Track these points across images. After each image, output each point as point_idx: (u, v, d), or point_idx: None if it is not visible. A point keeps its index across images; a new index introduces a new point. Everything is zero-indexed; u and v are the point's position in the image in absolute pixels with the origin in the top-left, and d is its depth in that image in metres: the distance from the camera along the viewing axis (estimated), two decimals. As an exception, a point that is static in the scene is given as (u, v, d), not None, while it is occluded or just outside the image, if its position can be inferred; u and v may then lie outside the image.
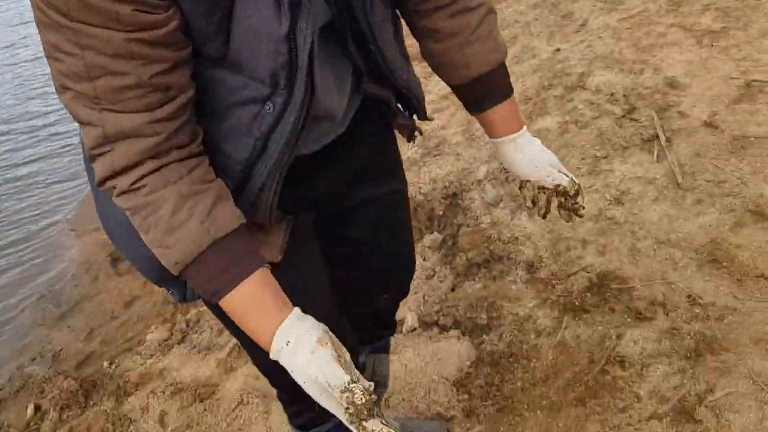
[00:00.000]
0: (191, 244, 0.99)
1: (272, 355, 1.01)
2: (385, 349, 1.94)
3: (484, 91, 1.30)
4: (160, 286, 1.33)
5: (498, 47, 1.28)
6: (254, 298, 1.02)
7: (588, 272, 2.42)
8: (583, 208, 1.36)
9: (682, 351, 2.10)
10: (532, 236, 2.67)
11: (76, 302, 3.16)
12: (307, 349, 0.98)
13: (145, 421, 2.42)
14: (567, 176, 1.33)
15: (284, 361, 1.00)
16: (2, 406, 2.69)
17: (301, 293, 1.11)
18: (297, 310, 1.04)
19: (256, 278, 1.02)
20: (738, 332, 2.10)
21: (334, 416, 0.98)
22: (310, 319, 1.03)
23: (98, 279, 3.29)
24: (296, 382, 1.00)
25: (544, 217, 1.37)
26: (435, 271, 2.72)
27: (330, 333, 1.03)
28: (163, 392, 2.49)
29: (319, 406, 1.00)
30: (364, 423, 0.95)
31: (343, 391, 0.96)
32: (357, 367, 1.03)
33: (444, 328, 2.48)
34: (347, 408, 0.95)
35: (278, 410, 2.36)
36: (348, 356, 1.01)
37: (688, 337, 2.13)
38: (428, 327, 2.51)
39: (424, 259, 2.78)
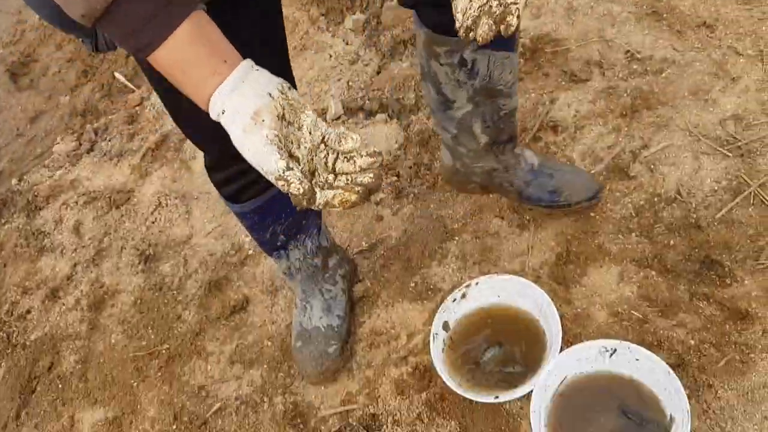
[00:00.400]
0: None
1: (211, 116, 0.91)
2: (509, 46, 1.45)
3: None
4: (67, 34, 1.15)
5: None
6: (186, 53, 0.88)
7: (521, 38, 2.21)
8: (519, 16, 0.99)
9: (618, 109, 1.96)
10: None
11: (-22, 124, 2.89)
12: (239, 127, 0.87)
13: (60, 233, 2.27)
14: None
15: (224, 125, 0.90)
16: None
17: (246, 39, 0.96)
18: (237, 70, 0.89)
19: (187, 28, 0.87)
20: (676, 84, 1.96)
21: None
22: (251, 80, 0.90)
23: (-1, 97, 3.00)
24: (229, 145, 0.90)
25: (464, 37, 1.02)
26: (359, 55, 2.48)
27: (280, 94, 0.89)
28: (76, 203, 2.33)
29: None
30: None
31: (277, 179, 0.87)
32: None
33: (370, 113, 2.30)
34: (283, 190, 0.88)
35: (199, 209, 2.23)
36: (304, 120, 0.90)
37: (625, 95, 1.98)
38: (354, 113, 2.32)
39: (347, 44, 2.53)
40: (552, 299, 1.60)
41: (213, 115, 0.90)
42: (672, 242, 1.68)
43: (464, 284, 1.69)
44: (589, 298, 1.65)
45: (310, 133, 0.90)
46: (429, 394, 1.63)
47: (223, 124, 0.89)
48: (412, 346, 1.73)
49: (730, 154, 1.77)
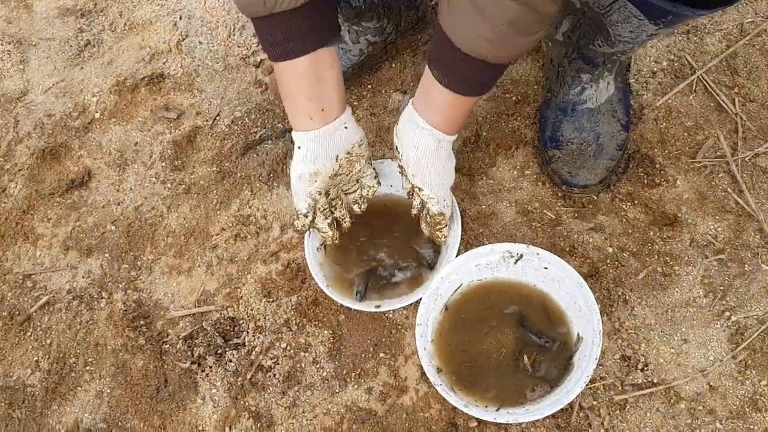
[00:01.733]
0: (250, 6, 0.97)
1: (296, 136, 1.12)
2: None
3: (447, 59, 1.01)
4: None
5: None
6: (297, 82, 1.05)
7: None
8: (444, 238, 1.25)
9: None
10: None
11: None
12: (298, 171, 1.13)
13: None
14: (448, 213, 1.21)
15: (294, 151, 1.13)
16: None
17: None
18: (328, 127, 1.10)
19: (305, 62, 1.02)
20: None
21: None
22: (334, 138, 1.11)
23: None
24: None
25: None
26: None
27: (346, 156, 1.16)
28: None
29: None
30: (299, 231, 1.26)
31: (295, 212, 1.18)
32: None
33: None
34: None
35: (38, 59, 1.77)
36: (354, 169, 1.20)
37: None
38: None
39: None
40: (453, 192, 1.31)
41: (296, 137, 1.11)
42: (598, 131, 1.40)
43: (351, 168, 1.37)
44: (497, 193, 1.37)
45: (351, 178, 1.22)
46: (300, 297, 1.34)
47: (294, 148, 1.12)
48: (285, 240, 1.42)
49: (675, 30, 1.48)
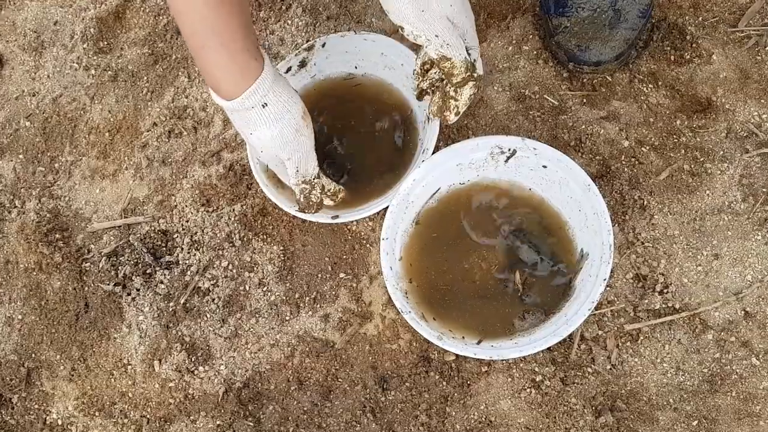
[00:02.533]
0: None
1: (230, 106, 0.81)
2: None
3: None
4: None
5: None
6: (221, 16, 0.75)
7: None
8: (458, 113, 0.88)
9: None
10: None
11: None
12: (290, 126, 0.84)
13: None
14: (463, 53, 0.81)
15: (245, 120, 0.83)
16: None
17: None
18: (269, 61, 0.82)
19: None
20: None
21: None
22: (283, 78, 0.85)
23: None
24: None
25: (418, 97, 0.91)
26: None
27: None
28: None
29: None
30: (308, 212, 0.94)
31: (305, 182, 0.90)
32: None
33: None
34: (299, 196, 0.92)
35: None
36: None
37: None
38: None
39: None
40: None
41: (242, 105, 0.80)
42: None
43: (304, 45, 1.09)
44: (487, 75, 1.09)
45: None
46: (245, 206, 1.09)
47: (252, 114, 0.81)
48: (228, 137, 1.15)
49: None
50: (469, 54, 0.82)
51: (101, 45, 1.27)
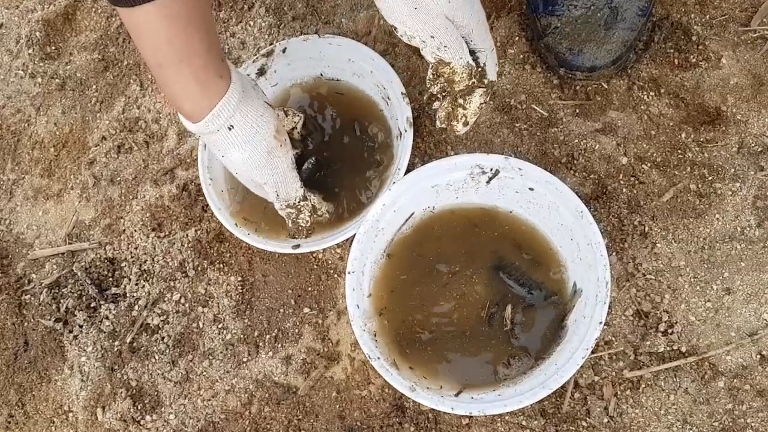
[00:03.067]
0: None
1: (195, 129, 0.72)
2: None
3: None
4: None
5: None
6: (184, 29, 0.65)
7: None
8: (466, 123, 0.72)
9: None
10: None
11: None
12: (261, 148, 0.74)
13: None
14: (464, 56, 0.67)
15: (213, 143, 0.74)
16: None
17: None
18: (235, 73, 0.72)
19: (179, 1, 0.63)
20: None
21: None
22: (248, 86, 0.75)
23: None
24: None
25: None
26: None
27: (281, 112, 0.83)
28: None
29: None
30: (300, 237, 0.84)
31: (290, 206, 0.81)
32: None
33: None
34: (287, 221, 0.83)
35: None
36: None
37: None
38: None
39: None
40: (409, 80, 0.91)
41: (206, 129, 0.71)
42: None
43: (265, 50, 0.96)
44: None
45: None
46: (201, 231, 0.97)
47: (218, 137, 0.72)
48: (183, 152, 1.02)
49: None
50: (476, 57, 0.69)
51: (48, 50, 1.14)
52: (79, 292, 0.97)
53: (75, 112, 1.09)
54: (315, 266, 0.93)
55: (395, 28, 0.67)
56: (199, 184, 0.97)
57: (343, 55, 0.93)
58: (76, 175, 1.05)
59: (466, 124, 0.73)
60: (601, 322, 0.74)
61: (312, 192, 0.84)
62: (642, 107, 0.91)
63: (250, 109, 0.73)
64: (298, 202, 0.81)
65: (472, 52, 0.68)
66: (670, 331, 0.80)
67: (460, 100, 0.71)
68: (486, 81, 0.70)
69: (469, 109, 0.72)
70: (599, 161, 0.89)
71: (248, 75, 0.94)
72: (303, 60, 0.95)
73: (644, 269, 0.84)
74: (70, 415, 0.92)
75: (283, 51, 0.94)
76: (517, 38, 0.96)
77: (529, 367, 0.78)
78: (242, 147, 0.73)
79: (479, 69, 0.69)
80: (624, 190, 0.87)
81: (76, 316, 0.95)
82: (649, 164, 0.88)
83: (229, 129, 0.72)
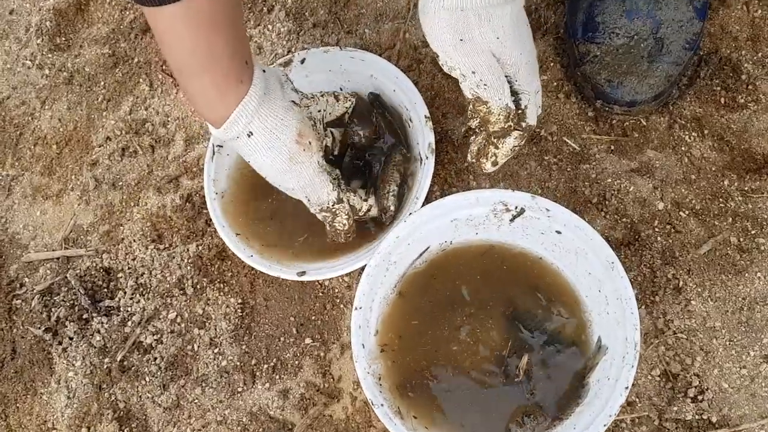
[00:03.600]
0: None
1: (217, 135, 0.68)
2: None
3: None
4: None
5: None
6: (209, 33, 0.61)
7: None
8: (495, 163, 0.67)
9: None
10: None
11: None
12: (283, 155, 0.68)
13: None
14: (503, 98, 0.61)
15: (238, 148, 0.70)
16: None
17: None
18: (257, 76, 0.67)
19: (206, 1, 0.59)
20: None
21: None
22: (272, 88, 0.68)
23: None
24: None
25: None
26: None
27: (295, 94, 0.72)
28: None
29: None
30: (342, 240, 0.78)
31: (325, 210, 0.74)
32: None
33: None
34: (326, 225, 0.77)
35: None
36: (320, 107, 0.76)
37: None
38: None
39: None
40: (432, 99, 0.84)
41: (225, 135, 0.67)
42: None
43: (282, 59, 0.89)
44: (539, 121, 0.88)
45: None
46: (202, 246, 0.90)
47: (241, 148, 0.68)
48: (190, 160, 0.96)
49: None
50: (518, 99, 0.62)
51: (58, 41, 1.08)
52: (71, 302, 0.91)
53: (81, 109, 1.03)
54: (321, 293, 0.86)
55: (437, 56, 0.60)
56: (204, 196, 0.91)
57: (365, 70, 0.86)
58: (78, 176, 0.99)
59: (495, 164, 0.66)
60: (627, 387, 0.67)
61: (351, 190, 0.77)
62: (683, 148, 0.83)
63: (269, 113, 0.67)
64: (333, 205, 0.74)
65: (514, 93, 0.61)
66: (700, 397, 0.73)
67: (494, 139, 0.64)
68: (524, 125, 0.63)
69: (500, 150, 0.65)
70: (633, 204, 0.81)
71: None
72: (322, 72, 0.88)
73: (675, 326, 0.76)
74: (54, 432, 0.86)
75: (302, 62, 0.87)
76: (551, 63, 0.89)
77: (545, 429, 0.71)
78: (264, 153, 0.69)
79: (519, 111, 0.62)
80: (659, 238, 0.79)
81: (66, 327, 0.89)
82: (687, 211, 0.80)
83: (249, 136, 0.67)
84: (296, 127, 0.69)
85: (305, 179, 0.71)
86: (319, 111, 0.77)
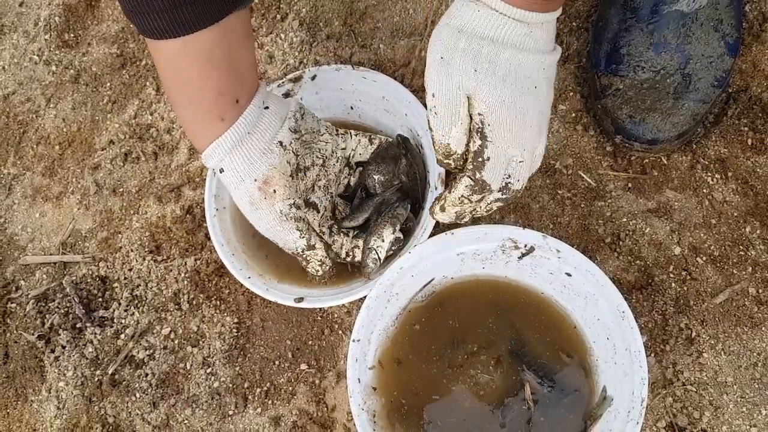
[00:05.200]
0: None
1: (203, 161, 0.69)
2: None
3: None
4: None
5: None
6: (197, 71, 0.62)
7: None
8: (442, 208, 0.63)
9: None
10: None
11: None
12: (245, 197, 0.68)
13: None
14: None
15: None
16: None
17: None
18: (245, 116, 0.66)
19: (210, 38, 0.60)
20: None
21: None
22: (260, 130, 0.67)
23: None
24: None
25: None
26: None
27: (292, 135, 0.70)
28: None
29: None
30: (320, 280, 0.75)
31: (296, 255, 0.71)
32: None
33: None
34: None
35: None
36: (323, 150, 0.74)
37: None
38: None
39: None
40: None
41: (207, 164, 0.67)
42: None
43: (293, 74, 0.84)
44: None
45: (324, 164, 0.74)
46: (201, 261, 0.86)
47: (221, 180, 0.68)
48: (193, 170, 0.92)
49: None
50: (484, 145, 0.57)
51: (66, 37, 1.04)
52: (66, 309, 0.88)
53: (85, 110, 0.99)
54: (319, 317, 0.82)
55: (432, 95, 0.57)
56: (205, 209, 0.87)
57: (377, 92, 0.81)
58: (79, 179, 0.95)
59: (442, 209, 0.62)
60: (631, 446, 0.63)
61: (342, 232, 0.75)
62: (704, 190, 0.78)
63: (242, 155, 0.67)
64: (302, 251, 0.71)
65: (482, 137, 0.56)
66: (706, 455, 0.69)
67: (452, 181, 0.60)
68: (477, 176, 0.57)
69: (449, 195, 0.61)
70: (648, 247, 0.77)
71: (276, 84, 0.83)
72: (332, 91, 0.84)
73: (685, 378, 0.72)
74: (41, 443, 0.83)
75: (312, 78, 0.83)
76: (571, 93, 0.84)
77: (542, 480, 0.67)
78: (232, 191, 0.69)
79: (477, 158, 0.57)
80: (673, 284, 0.75)
81: (60, 335, 0.86)
82: (704, 257, 0.75)
83: (221, 171, 0.67)
84: (264, 173, 0.67)
85: (266, 225, 0.69)
86: (344, 149, 0.76)
